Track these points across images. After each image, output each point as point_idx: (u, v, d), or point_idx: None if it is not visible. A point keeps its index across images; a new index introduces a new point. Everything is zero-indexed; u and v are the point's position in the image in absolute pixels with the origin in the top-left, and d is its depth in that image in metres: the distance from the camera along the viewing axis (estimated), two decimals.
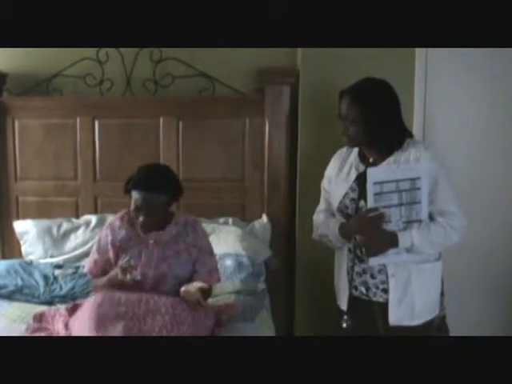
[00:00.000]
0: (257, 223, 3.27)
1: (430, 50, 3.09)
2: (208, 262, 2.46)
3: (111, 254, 2.43)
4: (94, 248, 2.51)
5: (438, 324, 2.72)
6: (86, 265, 2.52)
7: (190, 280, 2.39)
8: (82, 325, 2.19)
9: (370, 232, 2.20)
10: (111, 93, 3.37)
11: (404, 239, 2.18)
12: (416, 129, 3.11)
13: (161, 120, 3.32)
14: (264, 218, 3.29)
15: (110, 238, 2.44)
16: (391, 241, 2.19)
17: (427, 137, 3.16)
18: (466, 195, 3.12)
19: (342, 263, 2.40)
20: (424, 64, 3.11)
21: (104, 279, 2.39)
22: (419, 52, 3.09)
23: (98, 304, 2.19)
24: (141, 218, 2.33)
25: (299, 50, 3.21)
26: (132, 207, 2.34)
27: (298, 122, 3.20)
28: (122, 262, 2.29)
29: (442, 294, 2.68)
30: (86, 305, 2.27)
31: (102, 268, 2.45)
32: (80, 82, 3.36)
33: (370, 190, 2.19)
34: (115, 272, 2.32)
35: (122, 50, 3.30)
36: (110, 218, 2.53)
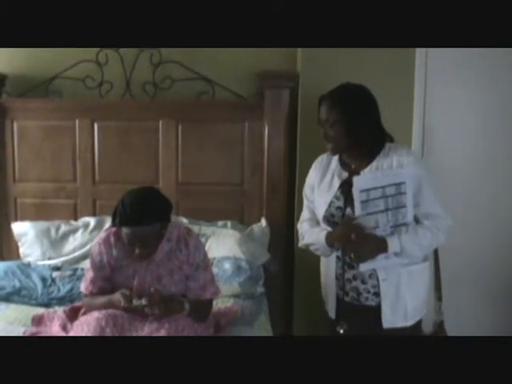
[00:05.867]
0: (256, 227, 3.27)
1: (429, 50, 3.09)
2: (201, 276, 2.34)
3: (108, 272, 2.33)
4: (89, 266, 2.38)
5: (435, 329, 2.72)
6: (83, 284, 2.38)
7: (183, 296, 2.32)
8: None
9: (357, 239, 2.19)
10: (110, 95, 3.38)
11: (393, 244, 2.19)
12: (416, 130, 3.12)
13: (160, 123, 3.32)
14: (263, 221, 3.28)
15: (105, 256, 2.31)
16: (380, 246, 2.19)
17: (427, 138, 3.16)
18: (465, 197, 3.15)
19: (329, 270, 2.40)
20: (424, 64, 3.11)
21: (102, 301, 2.28)
22: (419, 52, 3.10)
23: (101, 328, 2.13)
24: (137, 251, 2.19)
25: (299, 53, 3.21)
26: (125, 242, 2.20)
27: (298, 125, 3.20)
28: (136, 302, 2.18)
29: (440, 299, 2.68)
30: (87, 323, 2.18)
31: (100, 286, 2.34)
32: (79, 84, 3.36)
33: (357, 197, 2.19)
34: (117, 298, 2.22)
35: (122, 52, 3.30)
36: (103, 233, 2.40)
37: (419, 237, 2.21)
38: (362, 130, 2.23)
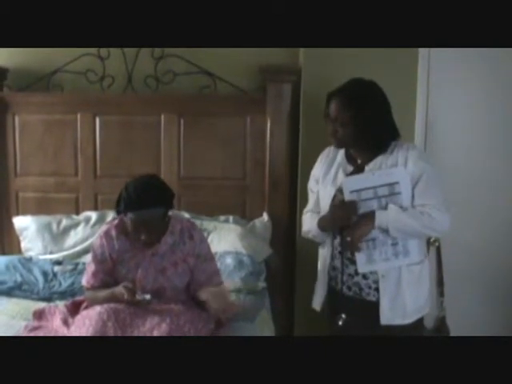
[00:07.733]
0: (257, 221, 3.26)
1: (432, 49, 3.08)
2: (207, 268, 2.38)
3: (110, 265, 2.33)
4: (90, 259, 2.39)
5: (437, 324, 2.71)
6: (84, 277, 2.39)
7: (187, 288, 2.33)
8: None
9: (346, 218, 2.20)
10: (112, 89, 3.37)
11: (381, 217, 2.17)
12: (418, 128, 3.11)
13: (162, 117, 3.31)
14: (265, 216, 3.28)
15: (107, 249, 2.32)
16: (369, 219, 2.18)
17: (429, 137, 3.16)
18: (467, 194, 3.14)
19: (325, 262, 2.40)
20: (427, 64, 3.10)
21: (104, 294, 2.28)
22: (422, 52, 3.08)
23: (103, 322, 2.12)
24: (143, 237, 2.22)
25: (301, 48, 3.19)
26: (130, 228, 2.23)
27: (300, 120, 3.19)
28: (140, 297, 2.19)
29: (442, 294, 2.68)
30: (89, 317, 2.17)
31: (102, 280, 2.34)
32: (81, 78, 3.35)
33: (348, 198, 2.21)
34: (120, 291, 2.21)
35: None
36: (104, 226, 2.42)
37: (408, 213, 2.17)
38: (373, 128, 2.20)
